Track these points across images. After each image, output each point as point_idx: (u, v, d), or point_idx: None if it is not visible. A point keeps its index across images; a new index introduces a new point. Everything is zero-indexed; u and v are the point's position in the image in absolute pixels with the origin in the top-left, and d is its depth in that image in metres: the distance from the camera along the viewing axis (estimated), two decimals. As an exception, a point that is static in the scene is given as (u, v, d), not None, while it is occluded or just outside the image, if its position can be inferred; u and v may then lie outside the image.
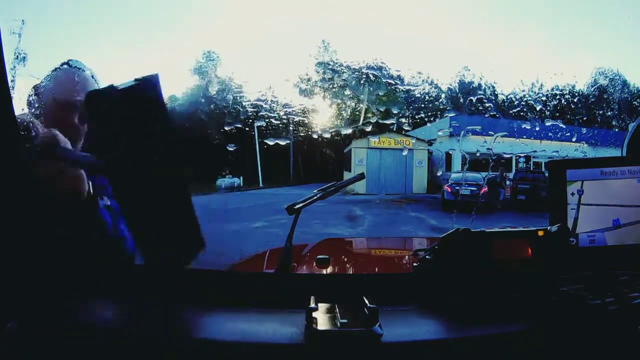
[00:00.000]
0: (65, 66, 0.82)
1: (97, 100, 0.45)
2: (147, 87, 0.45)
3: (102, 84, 0.88)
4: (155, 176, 0.47)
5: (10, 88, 0.48)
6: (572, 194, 0.66)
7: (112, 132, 0.45)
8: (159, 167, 0.47)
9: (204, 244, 0.53)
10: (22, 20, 0.63)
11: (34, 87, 0.79)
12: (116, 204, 0.72)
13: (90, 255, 0.60)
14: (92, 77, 0.84)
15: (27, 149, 0.53)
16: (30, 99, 0.77)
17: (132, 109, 0.45)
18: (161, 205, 0.48)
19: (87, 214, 0.66)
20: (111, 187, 0.49)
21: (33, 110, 0.75)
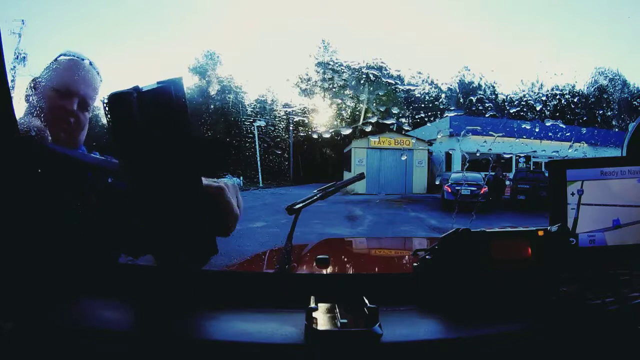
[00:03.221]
0: (62, 57, 0.81)
1: (118, 102, 0.45)
2: (170, 90, 0.45)
3: (103, 76, 0.87)
4: (173, 180, 0.47)
5: (10, 88, 0.48)
6: (572, 194, 0.66)
7: (131, 135, 0.45)
8: (176, 171, 0.47)
9: (217, 249, 0.53)
10: (22, 20, 0.63)
11: (32, 81, 0.78)
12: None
13: (90, 255, 0.60)
14: (91, 64, 0.83)
15: (27, 149, 0.53)
16: (28, 93, 0.77)
17: (153, 111, 0.45)
18: (176, 209, 0.48)
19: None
20: (126, 189, 0.49)
21: (32, 106, 0.75)
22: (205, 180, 0.57)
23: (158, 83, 0.45)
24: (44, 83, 0.76)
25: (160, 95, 0.45)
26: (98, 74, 0.84)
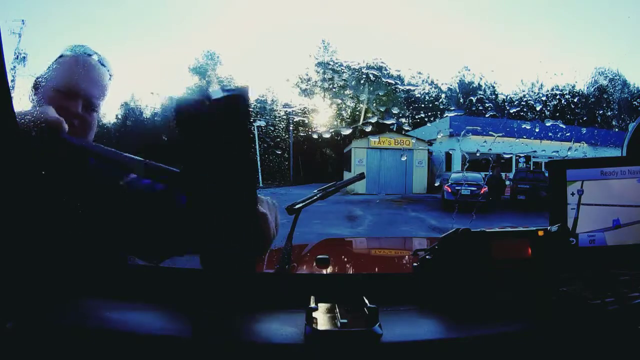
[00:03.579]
0: (67, 53, 0.76)
1: (184, 108, 0.46)
2: (237, 99, 0.45)
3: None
4: (231, 186, 0.48)
5: (11, 88, 0.48)
6: (572, 194, 0.66)
7: (195, 141, 0.46)
8: (235, 179, 0.48)
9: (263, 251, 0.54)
10: (22, 20, 0.63)
11: (35, 80, 0.75)
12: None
13: (90, 255, 0.60)
14: (100, 62, 0.79)
15: (29, 149, 0.52)
16: (31, 92, 0.74)
17: (219, 119, 0.45)
18: (230, 213, 0.48)
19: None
20: (184, 193, 0.49)
21: (34, 105, 0.72)
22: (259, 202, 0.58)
23: (224, 90, 0.45)
24: (47, 82, 0.73)
25: (228, 104, 0.45)
26: (108, 70, 0.80)
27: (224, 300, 0.57)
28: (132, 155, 0.59)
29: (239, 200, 0.48)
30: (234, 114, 0.46)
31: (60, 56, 0.76)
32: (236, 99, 0.45)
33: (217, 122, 0.45)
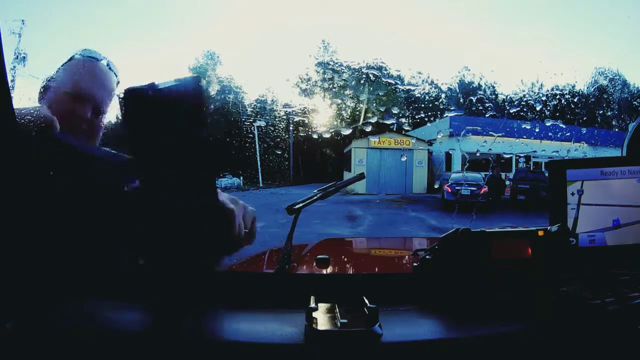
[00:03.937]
0: (77, 56, 0.77)
1: (132, 98, 0.44)
2: (188, 88, 0.44)
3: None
4: (185, 180, 0.46)
5: (10, 88, 0.48)
6: (572, 194, 0.66)
7: (145, 131, 0.44)
8: (187, 170, 0.46)
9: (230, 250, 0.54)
10: (22, 20, 0.63)
11: (44, 82, 0.75)
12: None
13: (91, 255, 0.60)
14: (108, 65, 0.80)
15: (29, 148, 0.52)
16: (40, 94, 0.74)
17: (169, 109, 0.44)
18: (185, 208, 0.47)
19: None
20: (137, 185, 0.48)
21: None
22: (225, 198, 0.56)
23: (176, 80, 0.44)
24: (57, 85, 0.73)
25: (176, 93, 0.44)
26: (115, 74, 0.81)
27: (225, 300, 0.57)
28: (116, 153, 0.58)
29: (194, 193, 0.46)
30: (184, 102, 0.43)
31: (70, 59, 0.77)
32: (186, 88, 0.43)
33: (166, 112, 0.43)
